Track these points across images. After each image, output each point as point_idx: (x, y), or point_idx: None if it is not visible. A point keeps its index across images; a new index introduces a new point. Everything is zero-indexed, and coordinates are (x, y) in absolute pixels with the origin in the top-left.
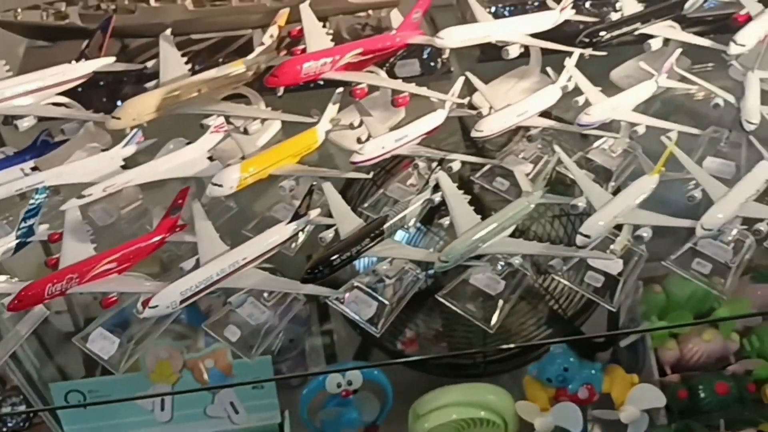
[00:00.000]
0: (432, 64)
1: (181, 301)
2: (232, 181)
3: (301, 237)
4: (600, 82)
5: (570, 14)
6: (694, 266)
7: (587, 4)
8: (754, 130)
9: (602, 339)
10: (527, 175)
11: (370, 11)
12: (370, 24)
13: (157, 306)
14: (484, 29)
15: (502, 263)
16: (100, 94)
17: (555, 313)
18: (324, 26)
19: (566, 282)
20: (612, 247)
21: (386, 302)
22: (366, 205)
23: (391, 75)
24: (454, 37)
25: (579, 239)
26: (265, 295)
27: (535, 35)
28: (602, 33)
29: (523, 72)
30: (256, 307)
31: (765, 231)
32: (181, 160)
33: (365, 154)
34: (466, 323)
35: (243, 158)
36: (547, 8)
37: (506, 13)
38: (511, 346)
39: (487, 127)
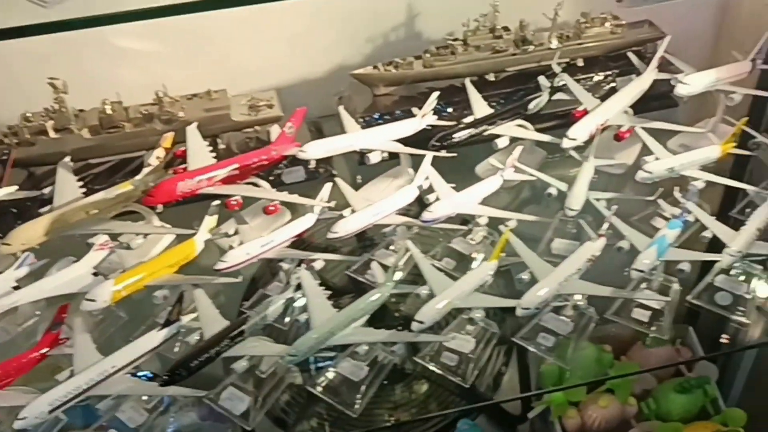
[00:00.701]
0: (314, 169)
1: (50, 411)
2: (105, 295)
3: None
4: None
5: (432, 120)
6: (539, 340)
7: (449, 110)
8: (575, 216)
9: (518, 412)
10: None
11: (257, 127)
12: (259, 137)
13: (25, 418)
14: (347, 140)
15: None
16: (10, 220)
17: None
18: (215, 143)
19: (422, 362)
20: (467, 327)
21: (257, 395)
22: (247, 304)
23: (278, 181)
24: (316, 150)
25: (414, 325)
26: (145, 398)
27: (401, 140)
28: (454, 136)
29: (397, 171)
30: (135, 410)
31: (582, 305)
32: (67, 278)
33: (228, 261)
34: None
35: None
36: (413, 115)
37: (378, 121)
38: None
39: (343, 229)
